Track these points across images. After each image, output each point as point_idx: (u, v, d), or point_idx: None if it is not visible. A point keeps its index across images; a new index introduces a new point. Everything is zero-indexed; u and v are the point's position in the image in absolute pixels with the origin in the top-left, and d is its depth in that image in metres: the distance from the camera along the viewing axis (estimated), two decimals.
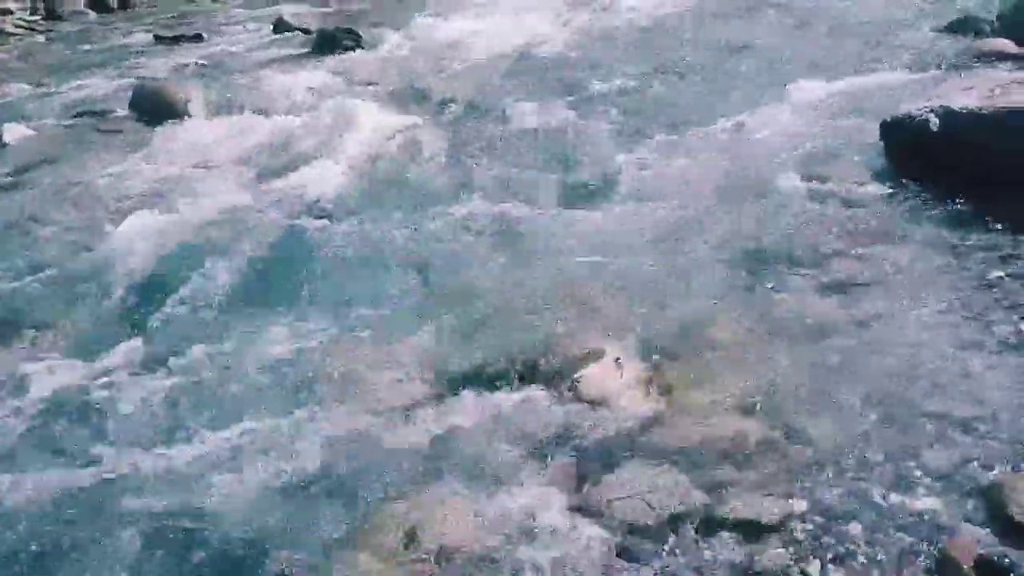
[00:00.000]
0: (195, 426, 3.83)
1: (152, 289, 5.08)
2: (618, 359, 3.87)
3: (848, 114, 6.51)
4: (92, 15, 15.42)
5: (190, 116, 8.41)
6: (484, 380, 3.91)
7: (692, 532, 3.02)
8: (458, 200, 5.82)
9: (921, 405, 3.50)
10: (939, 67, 7.37)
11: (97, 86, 10.13)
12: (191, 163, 7.14)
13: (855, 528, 2.93)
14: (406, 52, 10.34)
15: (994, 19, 8.42)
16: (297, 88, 8.87)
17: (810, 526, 2.97)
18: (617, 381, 3.80)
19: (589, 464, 3.42)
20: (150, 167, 7.28)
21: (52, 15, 15.14)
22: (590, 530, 3.06)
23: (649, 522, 3.06)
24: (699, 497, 3.15)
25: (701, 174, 5.80)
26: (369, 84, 9.01)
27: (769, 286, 4.48)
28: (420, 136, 7.23)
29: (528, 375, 3.89)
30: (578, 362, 3.88)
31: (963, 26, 8.54)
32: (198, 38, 12.50)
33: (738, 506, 3.08)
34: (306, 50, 10.94)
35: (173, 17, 14.70)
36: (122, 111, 8.93)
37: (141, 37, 13.04)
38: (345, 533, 3.17)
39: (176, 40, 12.49)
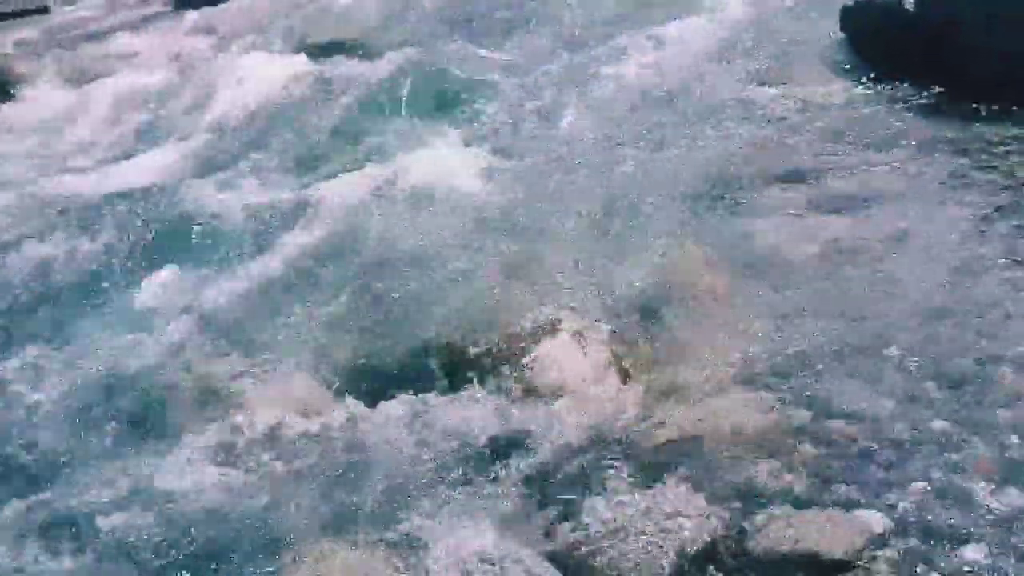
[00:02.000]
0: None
1: None
2: (578, 333, 2.88)
3: (796, 13, 5.60)
4: None
5: (29, 90, 7.12)
6: (404, 375, 2.96)
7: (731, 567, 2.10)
8: (351, 154, 4.74)
9: (964, 345, 2.66)
10: None
11: None
12: (24, 144, 5.90)
13: (962, 553, 2.03)
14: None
15: None
16: (150, 48, 7.64)
17: (890, 552, 2.05)
18: (579, 362, 2.84)
19: (552, 487, 2.49)
20: None
21: None
22: None
23: (654, 570, 2.13)
24: (716, 523, 2.23)
25: (647, 91, 4.86)
26: (233, 36, 7.79)
27: (744, 218, 3.60)
28: (298, 84, 6.07)
29: (462, 364, 2.91)
30: (527, 341, 2.89)
31: None
32: (44, 10, 10.94)
33: (777, 532, 2.16)
34: (167, 9, 9.58)
35: None
36: None
37: None
38: None
39: (18, 15, 10.91)
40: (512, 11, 6.78)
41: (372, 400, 2.87)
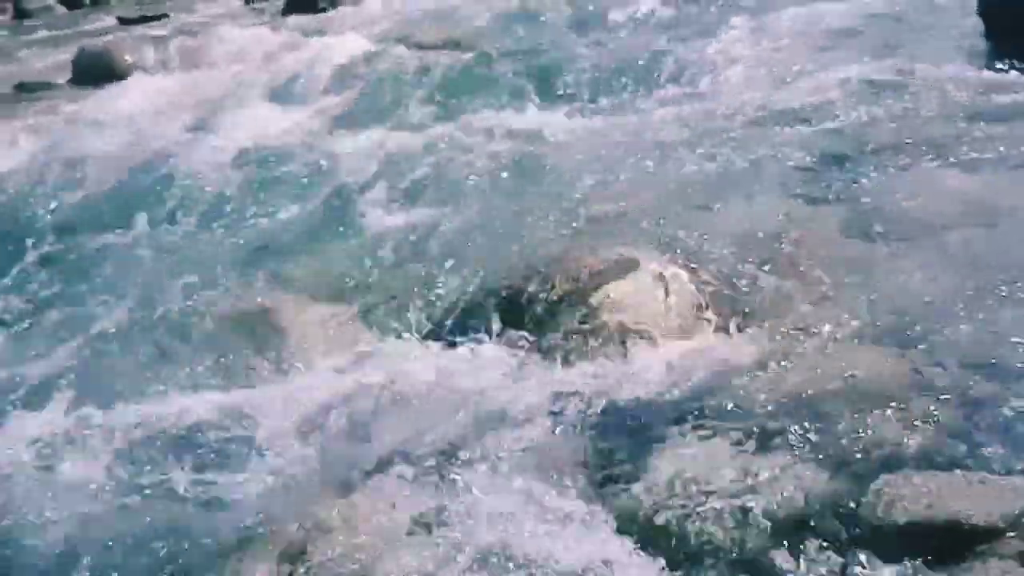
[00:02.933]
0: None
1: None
2: (660, 273, 2.51)
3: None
4: (61, 9, 14.42)
5: (133, 76, 7.17)
6: (464, 315, 2.61)
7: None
8: (440, 119, 4.51)
9: None
10: None
11: (45, 61, 9.00)
12: (123, 124, 5.86)
13: None
14: (390, 8, 9.09)
15: None
16: (256, 43, 7.64)
17: None
18: (659, 304, 2.46)
19: (624, 444, 2.11)
20: (78, 131, 5.99)
21: (22, 14, 14.28)
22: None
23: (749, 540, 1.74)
24: (830, 488, 1.83)
25: (776, 61, 4.54)
26: (339, 36, 7.72)
27: (858, 181, 3.18)
28: (402, 73, 5.89)
29: (527, 303, 2.56)
30: (599, 279, 2.52)
31: None
32: (163, 17, 11.39)
33: (907, 497, 1.73)
34: (277, 14, 9.76)
35: (143, 4, 13.63)
36: (63, 79, 7.74)
37: (106, 23, 11.98)
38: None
39: (140, 20, 11.43)
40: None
41: (423, 343, 2.57)
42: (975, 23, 4.56)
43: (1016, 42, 4.20)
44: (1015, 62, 4.04)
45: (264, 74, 6.39)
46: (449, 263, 2.86)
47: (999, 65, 4.08)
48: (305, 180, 3.89)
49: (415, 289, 2.81)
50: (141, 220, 3.77)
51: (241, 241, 3.45)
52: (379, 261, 3.04)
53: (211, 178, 4.15)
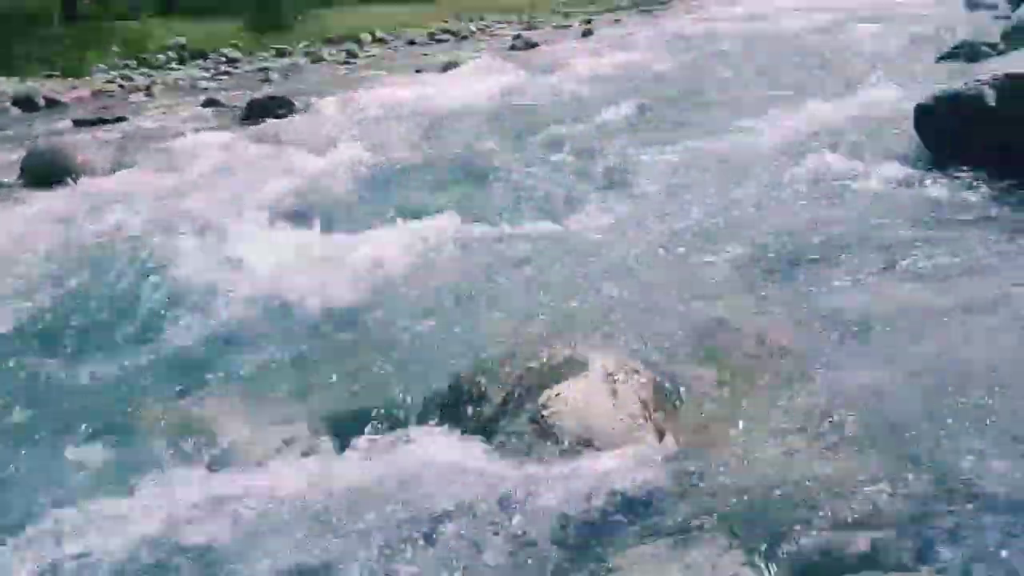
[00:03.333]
0: None
1: None
2: (609, 372, 2.48)
3: (867, 117, 5.44)
4: (16, 111, 14.39)
5: (85, 176, 7.12)
6: (402, 415, 2.55)
7: None
8: (391, 223, 4.50)
9: None
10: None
11: None
12: (65, 225, 5.78)
13: None
14: (342, 115, 9.26)
15: (999, 41, 7.80)
16: (212, 148, 7.67)
17: None
18: (609, 406, 2.42)
19: (563, 549, 2.06)
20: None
21: None
22: None
23: None
24: None
25: (723, 172, 4.69)
26: (295, 141, 7.82)
27: (806, 280, 3.24)
28: (355, 178, 5.94)
29: (472, 403, 2.51)
30: (547, 378, 2.48)
31: (964, 52, 8.03)
32: (120, 119, 11.39)
33: None
34: (234, 120, 9.84)
35: (102, 108, 13.66)
36: (9, 179, 7.64)
37: (61, 124, 11.93)
38: None
39: (97, 123, 11.39)
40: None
41: (364, 440, 2.49)
42: (912, 137, 4.74)
43: (949, 154, 4.38)
44: (948, 174, 4.20)
45: (217, 179, 6.39)
46: (396, 360, 2.82)
47: (934, 177, 4.24)
48: (249, 281, 3.83)
49: (361, 386, 2.76)
50: (77, 322, 3.67)
51: (180, 341, 3.35)
52: (323, 359, 2.97)
53: (151, 283, 4.07)
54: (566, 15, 28.29)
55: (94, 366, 3.32)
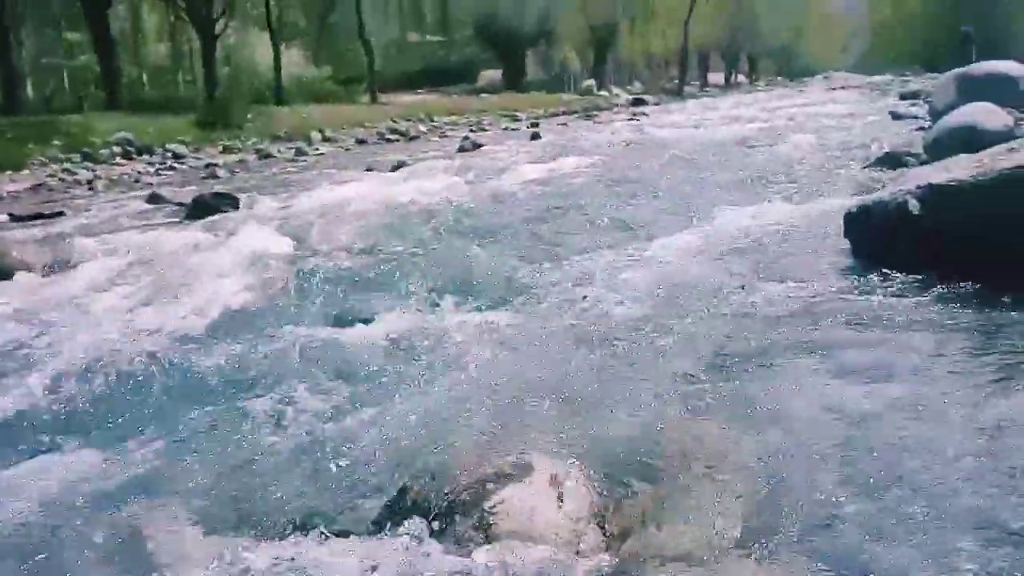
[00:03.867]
0: None
1: None
2: (555, 476, 2.48)
3: (798, 223, 5.64)
4: None
5: (19, 273, 6.99)
6: (342, 519, 2.49)
7: None
8: (329, 321, 4.49)
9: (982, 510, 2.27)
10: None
11: None
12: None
13: None
14: (287, 213, 9.32)
15: (921, 151, 8.22)
16: (154, 243, 7.63)
17: None
18: (554, 512, 2.41)
19: None
20: None
21: None
22: None
23: None
24: None
25: (653, 282, 4.72)
26: (239, 239, 7.79)
27: (748, 384, 3.28)
28: (292, 277, 5.92)
29: (414, 507, 2.47)
30: (492, 483, 2.47)
31: (889, 161, 8.36)
32: (59, 214, 11.26)
33: None
34: (178, 216, 9.80)
35: (42, 202, 13.50)
36: None
37: None
38: None
39: (35, 217, 11.21)
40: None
41: (307, 543, 2.43)
42: (842, 243, 4.92)
43: (877, 260, 4.54)
44: (876, 279, 4.35)
45: (154, 277, 6.30)
46: (340, 466, 2.78)
47: (863, 282, 4.37)
48: (185, 386, 3.76)
49: (305, 491, 2.71)
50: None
51: (113, 451, 3.25)
52: (264, 463, 2.91)
53: (76, 386, 3.97)
54: (514, 118, 29.06)
55: None
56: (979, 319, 3.70)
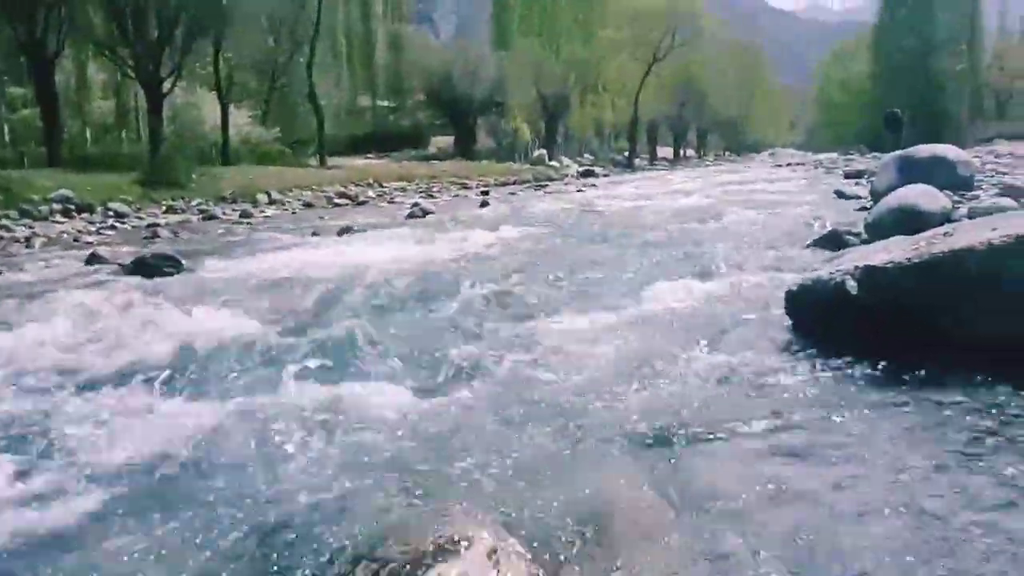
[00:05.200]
0: None
1: None
2: (493, 550, 2.40)
3: (741, 300, 5.70)
4: None
5: None
6: None
7: None
8: (269, 391, 4.36)
9: None
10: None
11: None
12: None
13: None
14: (229, 275, 9.18)
15: (862, 230, 8.43)
16: (90, 304, 7.41)
17: None
18: None
19: None
20: None
21: None
22: None
23: None
24: None
25: (590, 354, 4.72)
26: (179, 302, 7.63)
27: (685, 461, 3.27)
28: (231, 345, 5.79)
29: None
30: (428, 557, 2.37)
31: (832, 239, 8.54)
32: None
33: None
34: (117, 277, 9.58)
35: None
36: None
37: None
38: None
39: None
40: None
41: None
42: (784, 320, 4.97)
43: (818, 337, 4.60)
44: (817, 356, 4.40)
45: (87, 339, 6.12)
46: (270, 543, 2.68)
47: (803, 359, 4.42)
48: (119, 457, 3.61)
49: (227, 564, 2.59)
50: None
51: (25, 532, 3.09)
52: (188, 539, 2.78)
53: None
54: (464, 186, 29.29)
55: None
56: (914, 397, 3.76)
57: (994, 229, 4.21)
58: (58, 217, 16.53)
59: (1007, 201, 9.22)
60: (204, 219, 17.75)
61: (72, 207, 17.19)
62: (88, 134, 31.81)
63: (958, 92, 56.04)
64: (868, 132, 50.18)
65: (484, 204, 19.13)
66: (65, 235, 14.90)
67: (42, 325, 6.72)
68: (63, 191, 17.63)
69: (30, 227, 15.19)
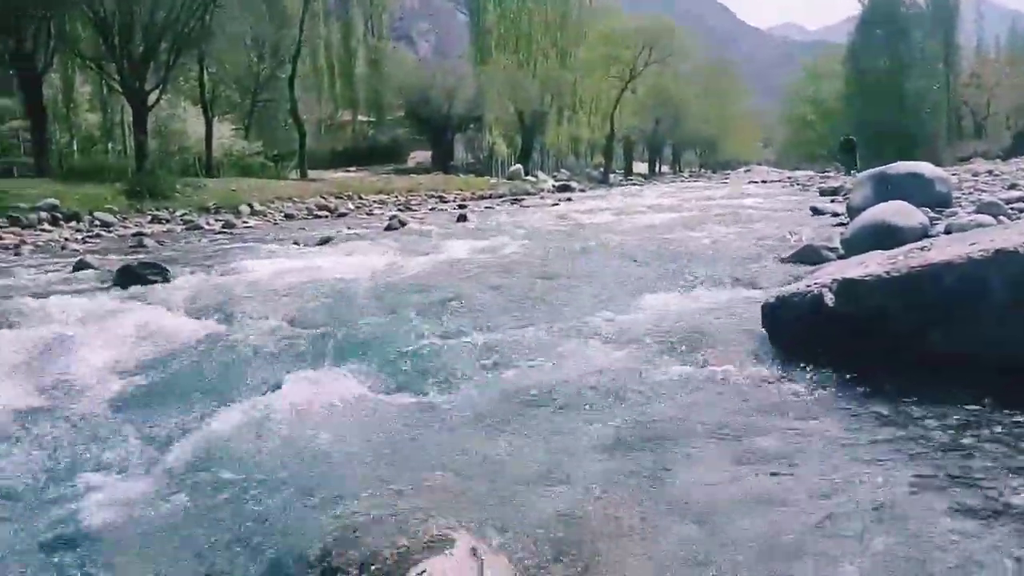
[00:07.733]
0: None
1: None
2: (475, 549, 2.55)
3: (718, 313, 5.86)
4: None
5: None
6: None
7: None
8: (254, 395, 4.49)
9: None
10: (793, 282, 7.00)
11: None
12: None
13: None
14: (213, 284, 9.24)
15: (839, 245, 8.60)
16: (77, 310, 7.49)
17: None
18: None
19: None
20: None
21: None
22: None
23: None
24: None
25: (565, 364, 4.84)
26: (164, 309, 7.72)
27: (664, 469, 3.39)
28: (217, 350, 5.90)
29: None
30: (412, 556, 2.52)
31: (808, 254, 8.70)
32: None
33: None
34: (104, 284, 9.64)
35: None
36: None
37: None
38: None
39: None
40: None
41: None
42: (760, 333, 5.13)
43: (795, 350, 4.73)
44: (794, 368, 4.53)
45: (73, 345, 6.18)
46: (254, 541, 2.78)
47: (780, 371, 4.54)
48: (104, 460, 3.72)
49: (214, 566, 2.71)
50: None
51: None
52: (168, 542, 2.90)
53: None
54: (442, 199, 29.46)
55: None
56: (891, 409, 3.86)
57: (972, 244, 4.32)
58: (46, 225, 16.67)
59: (985, 218, 9.28)
60: (188, 229, 17.86)
61: (59, 216, 17.31)
62: (75, 145, 31.90)
63: (933, 111, 56.69)
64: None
65: (461, 218, 19.25)
66: (53, 243, 14.98)
67: (32, 329, 6.81)
68: (50, 200, 17.72)
69: (18, 234, 15.28)
